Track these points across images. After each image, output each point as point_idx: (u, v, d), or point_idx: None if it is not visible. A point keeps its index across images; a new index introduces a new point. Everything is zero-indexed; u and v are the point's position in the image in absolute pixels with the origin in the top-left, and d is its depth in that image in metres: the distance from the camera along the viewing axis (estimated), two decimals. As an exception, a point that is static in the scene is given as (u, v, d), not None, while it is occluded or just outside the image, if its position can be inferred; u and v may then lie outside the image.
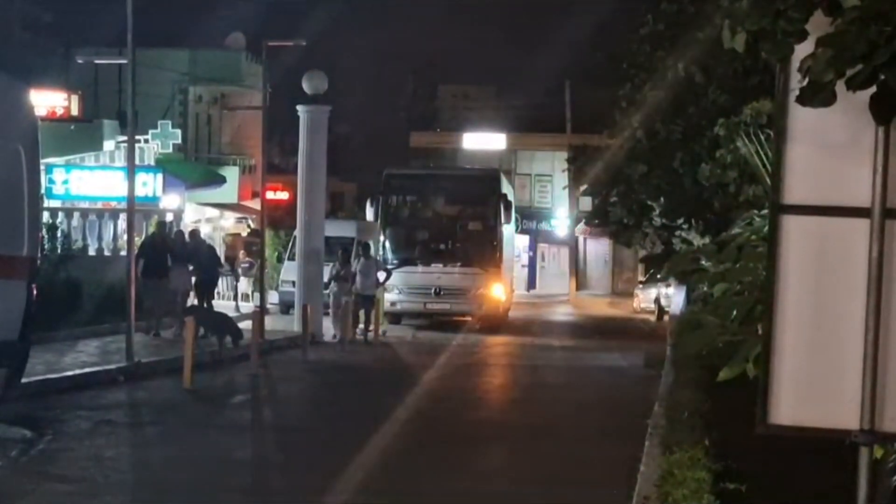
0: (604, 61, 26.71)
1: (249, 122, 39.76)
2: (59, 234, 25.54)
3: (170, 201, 32.77)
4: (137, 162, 23.12)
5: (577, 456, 11.80)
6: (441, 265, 30.75)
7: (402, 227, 32.13)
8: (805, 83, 4.12)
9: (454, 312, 30.73)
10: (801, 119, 4.51)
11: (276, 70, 33.73)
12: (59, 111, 34.43)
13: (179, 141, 37.74)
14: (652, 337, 28.16)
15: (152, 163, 33.43)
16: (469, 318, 30.67)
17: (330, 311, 25.54)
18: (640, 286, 43.56)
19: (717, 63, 17.54)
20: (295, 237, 29.54)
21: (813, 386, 4.58)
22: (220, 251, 36.04)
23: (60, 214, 28.56)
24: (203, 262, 23.34)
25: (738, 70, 17.82)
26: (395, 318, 30.42)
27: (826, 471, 6.88)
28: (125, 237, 23.15)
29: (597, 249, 59.87)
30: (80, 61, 36.73)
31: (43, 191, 23.74)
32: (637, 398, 15.38)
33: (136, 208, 20.49)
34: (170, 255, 22.40)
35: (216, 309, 23.04)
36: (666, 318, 33.42)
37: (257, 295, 29.35)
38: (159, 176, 30.81)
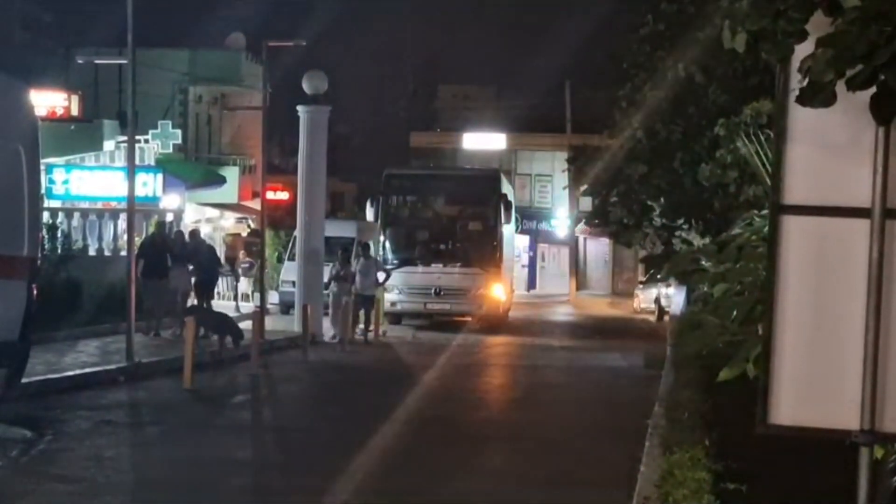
0: (604, 61, 26.72)
1: (249, 122, 39.75)
2: (59, 234, 25.54)
3: (170, 201, 32.78)
4: (137, 162, 23.12)
5: (578, 456, 11.80)
6: (441, 265, 30.74)
7: (402, 227, 32.12)
8: (805, 83, 4.12)
9: (454, 312, 30.72)
10: (801, 119, 4.51)
11: (276, 70, 33.74)
12: (59, 111, 34.44)
13: (179, 141, 37.73)
14: (652, 337, 28.16)
15: (152, 163, 33.43)
16: (469, 319, 30.66)
17: (329, 311, 25.54)
18: (641, 286, 43.55)
19: (717, 63, 17.55)
20: (295, 237, 29.53)
21: (813, 386, 4.58)
22: (221, 251, 36.04)
23: (60, 214, 28.56)
24: (203, 263, 23.35)
25: (738, 70, 17.84)
26: (396, 318, 30.41)
27: (826, 471, 6.88)
28: (125, 237, 23.16)
29: (597, 249, 59.88)
30: (80, 61, 36.73)
31: (43, 191, 23.75)
32: (637, 398, 15.38)
33: (136, 208, 20.49)
34: (170, 255, 22.41)
35: (216, 309, 23.04)
36: (666, 318, 33.45)
37: (257, 295, 29.35)
38: (159, 176, 30.81)
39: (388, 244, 31.35)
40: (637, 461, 9.53)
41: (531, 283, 58.60)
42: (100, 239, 28.91)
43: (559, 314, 43.04)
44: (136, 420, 13.79)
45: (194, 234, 24.59)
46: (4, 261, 11.73)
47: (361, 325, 25.52)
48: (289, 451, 12.04)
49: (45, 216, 23.78)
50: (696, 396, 11.64)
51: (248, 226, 42.71)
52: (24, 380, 12.75)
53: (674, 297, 30.96)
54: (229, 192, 40.60)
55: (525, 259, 57.91)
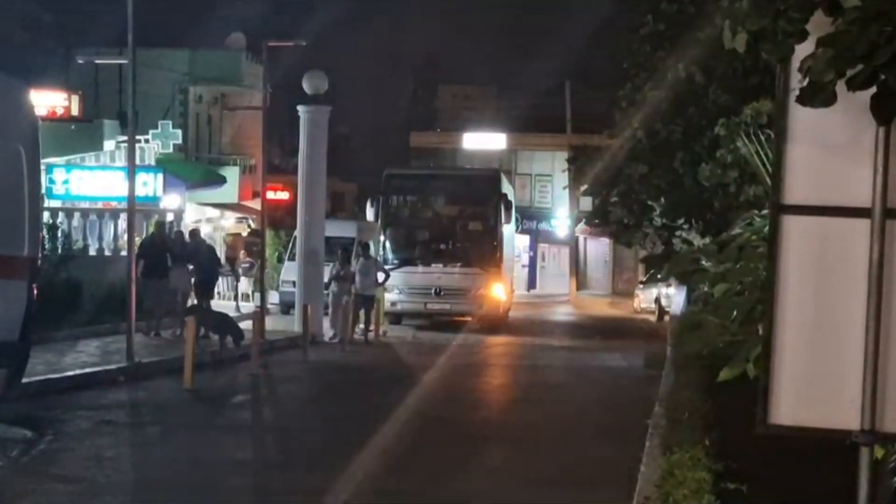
0: (604, 61, 26.72)
1: (250, 122, 39.75)
2: (59, 234, 25.55)
3: (170, 201, 32.78)
4: (138, 162, 23.12)
5: (578, 456, 11.80)
6: (441, 265, 30.74)
7: (402, 227, 32.12)
8: (805, 83, 4.12)
9: (454, 312, 30.72)
10: (802, 119, 4.51)
11: (276, 70, 33.73)
12: (60, 111, 34.42)
13: (180, 141, 37.74)
14: (652, 337, 28.16)
15: (153, 163, 33.45)
16: (469, 319, 30.66)
17: (329, 311, 25.54)
18: (641, 286, 43.55)
19: (718, 63, 17.55)
20: (295, 237, 29.53)
21: (813, 386, 4.58)
22: (221, 251, 36.04)
23: (61, 214, 28.56)
24: (203, 263, 23.33)
25: (738, 70, 17.83)
26: (396, 318, 30.41)
27: (826, 471, 6.88)
28: (125, 237, 23.16)
29: (597, 249, 59.87)
30: (80, 61, 36.72)
31: (43, 191, 23.75)
32: (637, 398, 15.38)
33: (136, 208, 20.49)
34: (170, 255, 22.40)
35: (216, 309, 23.03)
36: (666, 318, 33.44)
37: (258, 295, 29.34)
38: (160, 176, 30.83)
39: (388, 244, 31.35)
40: (637, 461, 9.53)
41: (531, 283, 58.59)
42: (100, 239, 28.91)
43: (559, 314, 43.04)
44: (136, 420, 13.79)
45: (194, 233, 24.58)
46: (4, 261, 11.73)
47: (361, 325, 25.52)
48: (289, 451, 12.04)
49: (46, 216, 23.79)
50: (696, 396, 11.64)
51: (249, 226, 42.71)
52: (24, 380, 12.74)
53: (674, 297, 30.95)
54: (229, 192, 40.61)
55: (525, 259, 57.91)
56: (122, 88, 34.15)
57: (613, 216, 23.93)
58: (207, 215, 41.04)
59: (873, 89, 4.04)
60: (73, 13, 41.03)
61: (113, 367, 16.96)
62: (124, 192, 20.83)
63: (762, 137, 6.97)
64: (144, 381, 16.56)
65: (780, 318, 4.58)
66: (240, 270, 35.42)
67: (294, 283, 28.09)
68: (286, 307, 30.77)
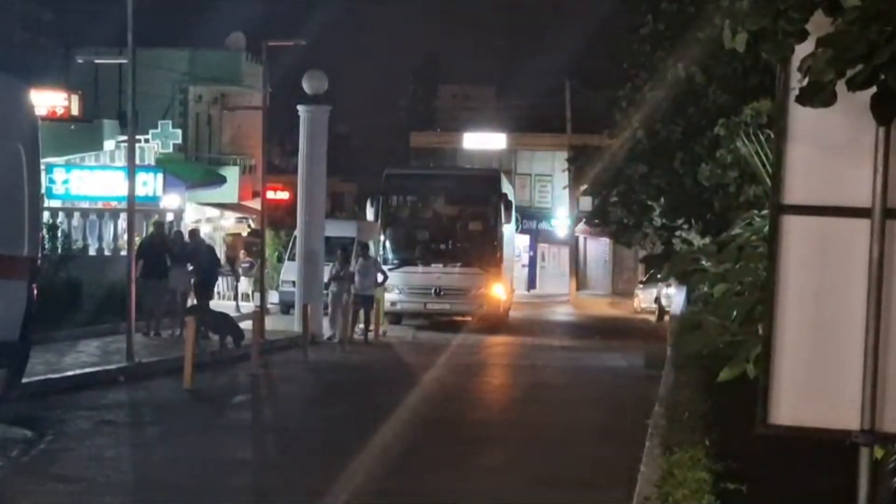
0: (604, 61, 26.72)
1: (249, 122, 39.75)
2: (59, 234, 25.53)
3: (170, 201, 32.79)
4: (138, 162, 23.12)
5: (578, 456, 11.80)
6: (441, 265, 30.74)
7: (402, 227, 32.11)
8: (805, 83, 4.12)
9: (454, 312, 30.72)
10: (801, 119, 4.51)
11: (276, 70, 33.74)
12: (59, 111, 34.40)
13: (180, 141, 37.75)
14: (652, 337, 28.15)
15: (153, 163, 33.45)
16: (469, 319, 30.66)
17: (328, 311, 25.54)
18: (641, 286, 43.56)
19: (717, 63, 17.55)
20: (295, 237, 29.54)
21: (813, 386, 4.58)
22: (221, 251, 36.04)
23: (61, 214, 28.56)
24: (202, 263, 23.31)
25: (738, 70, 17.83)
26: (396, 318, 30.40)
27: (826, 471, 6.88)
28: (125, 237, 23.16)
29: (597, 249, 59.87)
30: (80, 61, 36.73)
31: (43, 191, 23.74)
32: (637, 398, 15.37)
33: (136, 208, 20.50)
34: (169, 255, 22.38)
35: (216, 309, 23.02)
36: (666, 318, 33.42)
37: (258, 295, 29.35)
38: (160, 176, 30.83)
39: (388, 244, 31.35)
40: (637, 461, 9.53)
41: (531, 283, 58.59)
42: (100, 239, 28.91)
43: (559, 314, 43.04)
44: (136, 420, 13.79)
45: (194, 234, 24.56)
46: (4, 261, 11.73)
47: (361, 325, 25.52)
48: (289, 451, 12.04)
49: (46, 216, 23.77)
50: (696, 396, 11.64)
51: (249, 226, 42.73)
52: (24, 380, 12.75)
53: (674, 297, 30.94)
54: (229, 191, 40.62)
55: (525, 259, 57.90)
56: (122, 88, 34.18)
57: (613, 216, 23.91)
58: (207, 215, 41.05)
59: (873, 89, 4.04)
60: (73, 13, 41.06)
61: (113, 367, 16.96)
62: (124, 191, 20.83)
63: (762, 137, 6.96)
64: (144, 381, 16.56)
65: (780, 318, 4.58)
66: (240, 270, 35.43)
67: (294, 282, 28.09)
68: (286, 307, 30.77)
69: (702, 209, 20.30)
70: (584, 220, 41.69)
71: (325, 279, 25.95)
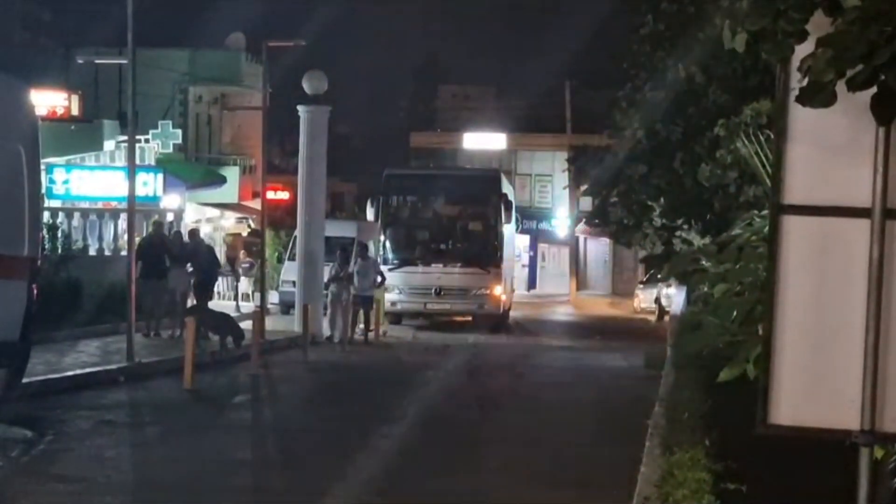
0: (604, 61, 26.72)
1: (250, 122, 39.76)
2: (59, 234, 25.53)
3: (170, 201, 32.79)
4: (138, 162, 23.13)
5: (578, 456, 11.80)
6: (441, 265, 30.74)
7: (402, 227, 32.12)
8: (805, 83, 4.12)
9: (454, 312, 30.73)
10: (801, 119, 4.51)
11: (276, 70, 33.74)
12: (60, 111, 34.43)
13: (180, 141, 37.75)
14: (652, 337, 28.15)
15: (153, 163, 33.45)
16: (469, 319, 30.66)
17: (328, 311, 25.53)
18: (641, 286, 43.57)
19: (717, 63, 17.52)
20: (295, 237, 29.54)
21: (813, 386, 4.57)
22: (221, 251, 36.05)
23: (61, 214, 28.57)
24: (202, 263, 23.29)
25: (738, 70, 17.80)
26: (396, 318, 30.42)
27: (826, 471, 6.88)
28: (125, 237, 23.15)
29: (597, 249, 59.86)
30: (80, 61, 36.74)
31: (43, 191, 23.75)
32: (637, 398, 15.37)
33: (136, 208, 20.50)
34: (168, 255, 22.37)
35: (216, 309, 23.01)
36: (666, 318, 33.41)
37: (258, 295, 29.36)
38: (160, 176, 30.83)
39: (388, 244, 31.36)
40: (637, 461, 9.53)
41: (531, 283, 58.59)
42: (100, 239, 28.91)
43: (559, 314, 43.04)
44: (136, 420, 13.79)
45: (193, 234, 24.54)
46: (5, 261, 11.74)
47: (361, 325, 25.51)
48: (289, 451, 12.04)
49: (46, 216, 23.77)
50: (696, 396, 11.62)
51: (249, 226, 42.73)
52: (24, 380, 12.76)
53: (674, 297, 30.92)
54: (229, 192, 40.63)
55: (525, 259, 57.91)
56: (122, 88, 34.18)
57: (613, 216, 23.88)
58: (207, 215, 41.05)
59: (873, 89, 4.04)
60: (73, 13, 41.08)
61: (113, 367, 16.96)
62: (124, 192, 20.84)
63: (762, 138, 6.96)
64: (144, 381, 16.56)
65: (780, 318, 4.58)
66: (240, 270, 35.43)
67: (294, 283, 28.10)
68: (286, 307, 30.77)
69: (702, 209, 20.28)
70: (584, 220, 41.69)
71: (325, 279, 25.95)
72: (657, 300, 39.09)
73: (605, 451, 12.04)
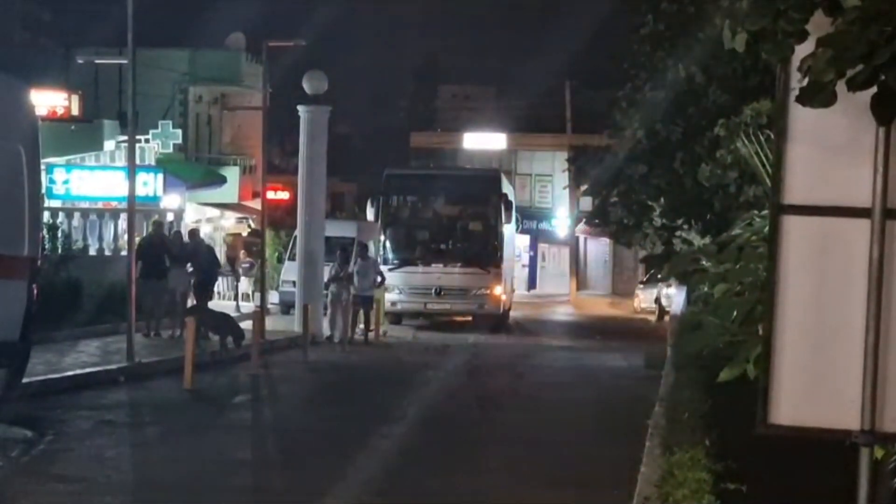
0: (604, 61, 26.72)
1: (250, 122, 39.76)
2: (59, 234, 25.54)
3: (170, 201, 32.79)
4: (138, 162, 23.13)
5: (578, 456, 11.80)
6: (441, 265, 30.75)
7: (402, 227, 32.13)
8: (805, 83, 4.12)
9: (455, 312, 30.74)
10: (801, 119, 4.51)
11: (277, 70, 33.73)
12: (60, 111, 34.41)
13: (180, 141, 37.75)
14: (652, 337, 28.15)
15: (153, 163, 33.45)
16: (470, 319, 30.65)
17: (328, 312, 25.53)
18: (641, 286, 43.57)
19: (718, 63, 17.52)
20: (295, 237, 29.54)
21: (813, 386, 4.57)
22: (221, 251, 36.04)
23: (61, 214, 28.58)
24: (202, 263, 23.29)
25: (738, 70, 17.80)
26: (396, 318, 30.42)
27: (826, 471, 6.88)
28: (125, 237, 23.15)
29: (597, 249, 59.86)
30: (80, 61, 36.73)
31: (43, 191, 23.75)
32: (637, 398, 15.37)
33: (136, 208, 20.50)
34: (168, 255, 22.36)
35: (216, 309, 23.00)
36: (666, 318, 33.42)
37: (258, 295, 29.36)
38: (160, 176, 30.84)
39: (388, 244, 31.36)
40: (637, 461, 9.53)
41: (531, 283, 58.59)
42: (100, 239, 28.92)
43: (559, 314, 43.04)
44: (136, 420, 13.79)
45: (193, 234, 24.53)
46: (5, 261, 11.74)
47: (361, 325, 25.51)
48: (289, 451, 12.04)
49: (46, 216, 23.78)
50: (696, 396, 11.62)
51: (249, 226, 42.73)
52: (24, 380, 12.76)
53: (674, 297, 30.93)
54: (230, 192, 40.63)
55: (525, 259, 57.91)
56: (122, 88, 34.16)
57: (613, 216, 23.88)
58: (207, 215, 41.06)
59: (873, 89, 4.04)
60: (73, 13, 41.06)
61: (113, 367, 16.96)
62: (124, 192, 20.85)
63: (762, 138, 6.95)
64: (144, 381, 16.56)
65: (780, 318, 4.58)
66: (240, 270, 35.43)
67: (294, 283, 28.10)
68: (286, 307, 30.78)
69: (702, 209, 20.28)
70: (584, 220, 41.72)
71: (325, 279, 25.94)
72: (657, 300, 39.09)
73: (606, 451, 12.04)
